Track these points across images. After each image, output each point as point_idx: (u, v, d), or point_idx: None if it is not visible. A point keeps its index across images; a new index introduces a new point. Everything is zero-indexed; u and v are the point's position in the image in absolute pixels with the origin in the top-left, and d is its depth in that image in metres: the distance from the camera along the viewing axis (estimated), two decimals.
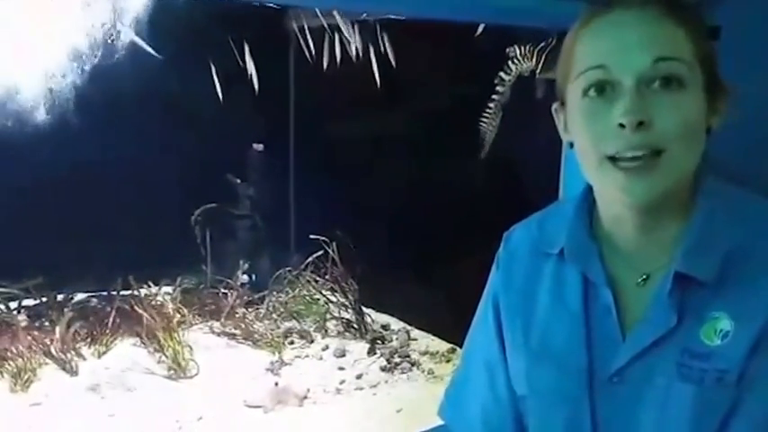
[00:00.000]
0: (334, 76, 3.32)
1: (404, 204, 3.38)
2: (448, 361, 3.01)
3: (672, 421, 0.91)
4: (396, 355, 3.02)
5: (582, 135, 0.93)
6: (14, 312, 3.01)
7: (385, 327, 3.30)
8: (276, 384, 2.77)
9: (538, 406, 1.05)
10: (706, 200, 0.94)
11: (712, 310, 0.91)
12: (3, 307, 3.03)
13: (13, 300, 3.08)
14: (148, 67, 3.34)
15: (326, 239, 3.30)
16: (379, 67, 3.23)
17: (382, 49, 3.25)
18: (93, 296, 3.23)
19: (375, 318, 3.35)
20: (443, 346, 3.12)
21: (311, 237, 3.32)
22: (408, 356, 3.02)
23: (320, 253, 3.39)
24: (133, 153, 3.34)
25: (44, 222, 3.20)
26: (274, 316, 3.26)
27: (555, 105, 1.01)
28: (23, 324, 2.95)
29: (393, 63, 3.24)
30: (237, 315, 3.20)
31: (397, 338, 3.17)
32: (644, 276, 0.97)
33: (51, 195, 3.22)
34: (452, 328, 3.04)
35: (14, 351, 2.79)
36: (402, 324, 3.34)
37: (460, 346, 3.12)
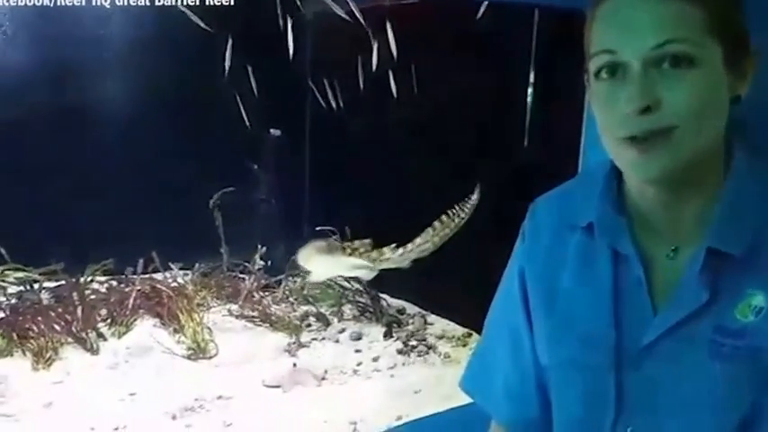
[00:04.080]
0: (352, 63, 3.34)
1: (420, 190, 3.39)
2: (464, 345, 3.03)
3: (703, 398, 0.91)
4: (412, 339, 3.04)
5: (597, 116, 0.94)
6: (37, 292, 3.04)
7: (401, 311, 3.33)
8: (294, 365, 2.80)
9: (561, 377, 1.06)
10: (737, 173, 0.94)
11: (747, 287, 0.90)
12: (25, 287, 3.06)
13: (35, 281, 3.11)
14: (171, 53, 3.38)
15: (339, 227, 3.32)
16: (399, 56, 3.24)
17: (395, 38, 3.27)
18: (113, 278, 3.26)
19: (391, 302, 3.37)
20: (459, 330, 3.15)
21: (318, 228, 3.34)
22: (425, 340, 3.04)
23: (334, 238, 3.41)
24: (152, 138, 3.37)
25: (64, 207, 3.23)
26: (291, 299, 3.28)
27: (586, 76, 1.00)
28: (45, 304, 2.98)
29: (410, 52, 3.26)
30: (255, 298, 3.23)
31: (413, 323, 3.20)
32: (673, 248, 0.97)
33: (71, 179, 3.26)
34: (468, 314, 3.06)
35: (36, 330, 2.83)
36: (417, 309, 3.36)
37: (477, 331, 3.15)
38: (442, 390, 2.70)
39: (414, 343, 3.01)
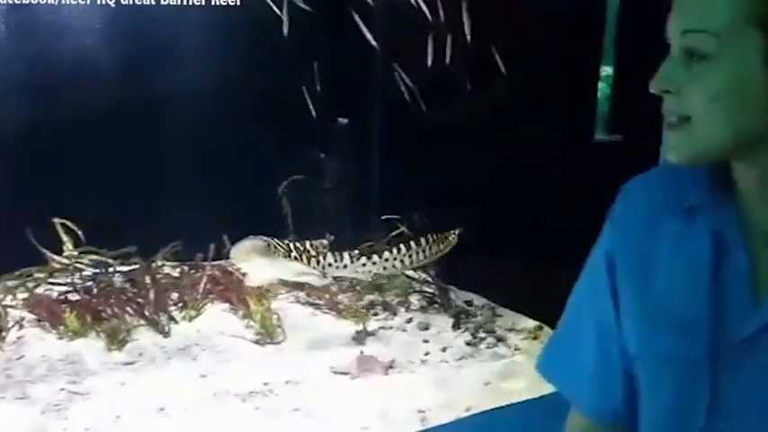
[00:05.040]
0: (422, 48, 3.31)
1: (490, 181, 3.31)
2: (535, 338, 2.94)
3: None
4: (481, 331, 2.97)
5: None
6: (110, 276, 3.11)
7: (469, 302, 3.25)
8: (361, 353, 2.77)
9: (651, 368, 1.00)
10: None
11: None
12: (99, 270, 3.14)
13: (109, 265, 3.19)
14: (241, 39, 3.42)
15: (407, 215, 3.29)
16: (472, 40, 3.18)
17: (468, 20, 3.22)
18: (184, 264, 3.30)
19: (458, 294, 3.30)
20: (530, 323, 3.05)
21: (383, 217, 3.31)
22: (494, 332, 2.97)
23: (401, 230, 3.40)
24: (222, 126, 3.41)
25: (138, 191, 3.30)
26: (357, 288, 3.25)
27: None
28: (119, 286, 3.05)
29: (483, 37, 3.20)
30: (322, 286, 3.21)
31: (481, 314, 3.13)
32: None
33: (145, 166, 3.32)
34: (539, 307, 2.98)
35: (110, 312, 2.90)
36: (486, 300, 3.28)
37: (548, 325, 3.04)
38: (512, 382, 2.63)
39: (483, 335, 2.94)
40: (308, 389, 2.54)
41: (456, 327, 3.02)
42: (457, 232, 2.87)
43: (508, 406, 2.44)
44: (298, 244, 2.49)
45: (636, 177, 1.08)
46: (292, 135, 3.47)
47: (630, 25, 3.46)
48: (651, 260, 1.00)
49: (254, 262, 2.49)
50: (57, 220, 3.04)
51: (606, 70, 3.83)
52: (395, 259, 2.69)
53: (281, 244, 2.46)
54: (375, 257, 2.62)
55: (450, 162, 3.35)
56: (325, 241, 2.60)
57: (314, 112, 3.34)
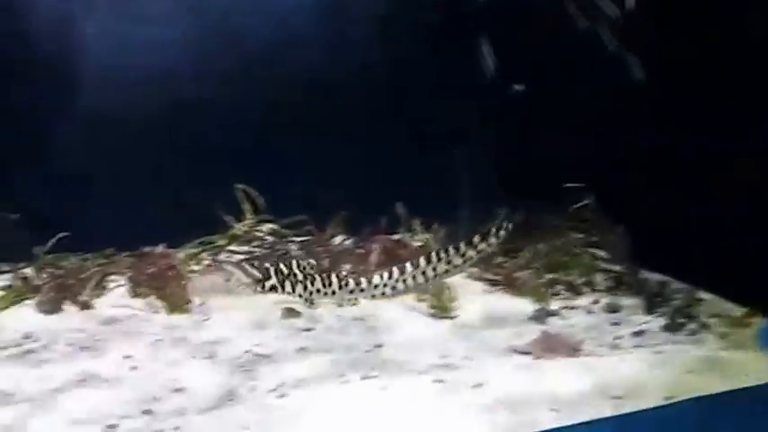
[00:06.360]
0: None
1: (686, 153, 2.96)
2: (745, 326, 2.58)
3: None
4: (680, 316, 2.66)
5: None
6: (286, 244, 3.16)
7: (663, 284, 2.94)
8: (544, 333, 2.58)
9: None
10: None
11: None
12: (273, 239, 3.20)
13: (284, 236, 3.24)
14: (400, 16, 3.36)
15: (588, 183, 3.05)
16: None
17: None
18: (351, 237, 3.29)
19: (650, 276, 3.00)
20: (739, 309, 2.69)
21: (567, 185, 3.08)
22: (696, 317, 2.65)
23: (585, 203, 3.15)
24: (384, 100, 3.36)
25: (308, 168, 3.33)
26: (536, 265, 3.05)
27: None
28: (294, 254, 3.08)
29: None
30: (496, 262, 3.05)
31: (679, 298, 2.80)
32: None
33: (322, 139, 3.34)
34: (748, 292, 2.62)
35: None
36: (683, 284, 2.94)
37: (761, 312, 2.64)
38: (719, 373, 2.31)
39: (682, 320, 2.63)
40: (488, 365, 2.38)
41: (650, 310, 2.73)
42: (499, 231, 2.30)
43: (717, 394, 2.15)
44: (282, 266, 2.18)
45: None
46: (462, 106, 3.35)
47: None
48: None
49: (213, 300, 2.30)
50: (240, 186, 3.12)
51: None
52: (397, 281, 2.26)
53: (252, 272, 2.14)
54: (363, 282, 2.27)
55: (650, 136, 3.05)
56: (314, 262, 2.28)
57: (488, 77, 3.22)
